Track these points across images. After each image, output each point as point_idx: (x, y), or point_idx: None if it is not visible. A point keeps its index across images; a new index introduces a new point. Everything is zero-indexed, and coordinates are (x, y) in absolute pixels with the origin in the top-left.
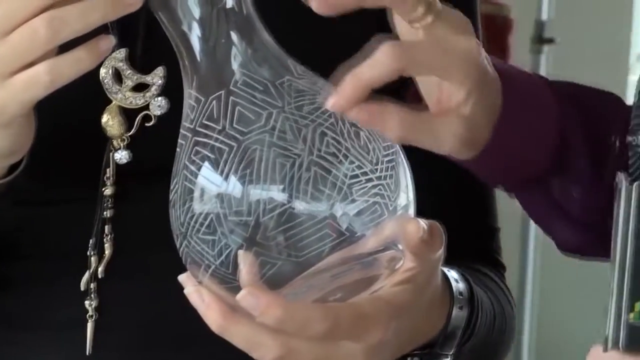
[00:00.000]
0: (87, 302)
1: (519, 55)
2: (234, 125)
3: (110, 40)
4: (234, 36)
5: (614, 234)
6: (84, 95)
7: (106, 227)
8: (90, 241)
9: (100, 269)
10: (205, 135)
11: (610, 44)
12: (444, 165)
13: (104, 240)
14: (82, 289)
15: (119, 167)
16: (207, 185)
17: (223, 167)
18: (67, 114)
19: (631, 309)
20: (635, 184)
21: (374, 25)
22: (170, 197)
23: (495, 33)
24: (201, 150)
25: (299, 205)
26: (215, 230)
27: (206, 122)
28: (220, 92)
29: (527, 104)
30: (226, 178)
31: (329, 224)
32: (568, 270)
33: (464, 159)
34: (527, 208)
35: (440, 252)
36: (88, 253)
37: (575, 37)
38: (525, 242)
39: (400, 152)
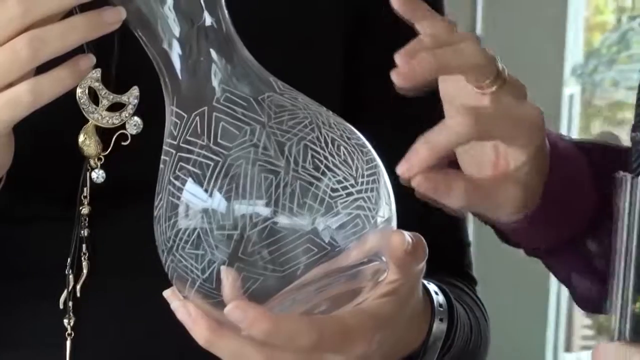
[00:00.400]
0: (65, 321)
1: None
2: (218, 140)
3: (90, 59)
4: (214, 53)
5: (618, 227)
6: (58, 115)
7: (83, 245)
8: (68, 260)
9: (78, 287)
10: (189, 151)
11: (544, 58)
12: None
13: (82, 258)
14: (61, 307)
15: (94, 186)
16: (192, 200)
17: (208, 182)
18: (42, 134)
19: (636, 299)
20: None
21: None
22: (155, 213)
23: None
24: (185, 165)
25: (283, 220)
26: (200, 245)
27: (190, 138)
28: (204, 109)
29: (567, 164)
30: (211, 193)
31: (311, 238)
32: (503, 283)
33: (509, 223)
34: (554, 269)
35: (423, 264)
36: (66, 271)
37: (509, 51)
38: None
39: (381, 165)
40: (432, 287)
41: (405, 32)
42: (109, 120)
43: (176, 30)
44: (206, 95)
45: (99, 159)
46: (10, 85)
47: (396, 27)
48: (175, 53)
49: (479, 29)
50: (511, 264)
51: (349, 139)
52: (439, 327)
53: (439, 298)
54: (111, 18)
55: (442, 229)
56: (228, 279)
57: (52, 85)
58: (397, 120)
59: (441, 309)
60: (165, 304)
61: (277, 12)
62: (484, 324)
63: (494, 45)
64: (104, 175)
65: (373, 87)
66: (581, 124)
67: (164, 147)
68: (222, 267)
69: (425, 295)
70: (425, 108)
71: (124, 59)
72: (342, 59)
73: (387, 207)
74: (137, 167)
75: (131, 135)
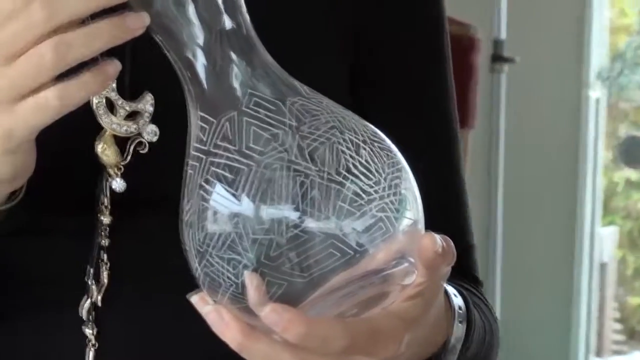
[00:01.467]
0: (88, 331)
1: (480, 75)
2: (250, 145)
3: (116, 64)
4: (237, 58)
5: None
6: (74, 125)
7: (104, 255)
8: (90, 270)
9: (99, 297)
10: (221, 156)
11: (568, 61)
12: (422, 185)
13: (102, 268)
14: (84, 317)
15: (114, 194)
16: (226, 204)
17: (242, 186)
18: (58, 144)
19: None
20: None
21: (348, 32)
22: (186, 218)
23: (461, 53)
24: (217, 170)
25: (313, 224)
26: (234, 249)
27: (220, 143)
28: (233, 114)
29: None
30: (244, 197)
31: (340, 242)
32: (530, 287)
33: None
34: None
35: (449, 267)
36: (88, 281)
37: (534, 55)
38: (492, 257)
39: (407, 168)
40: (451, 290)
41: (419, 24)
42: (126, 128)
43: (198, 35)
44: (233, 100)
45: (118, 168)
46: (36, 90)
47: (408, 19)
48: (198, 58)
49: (503, 34)
50: (541, 266)
51: (374, 142)
52: (459, 329)
53: (458, 301)
54: (135, 24)
55: (449, 232)
56: (252, 284)
57: (79, 90)
58: (412, 112)
59: (460, 312)
60: (188, 312)
61: (283, 14)
62: (495, 326)
63: (518, 50)
64: (124, 184)
65: (386, 78)
66: (607, 128)
67: (192, 152)
68: (246, 272)
69: (445, 297)
70: (440, 95)
71: (135, 67)
72: (350, 55)
73: (413, 209)
74: (156, 174)
75: (148, 143)
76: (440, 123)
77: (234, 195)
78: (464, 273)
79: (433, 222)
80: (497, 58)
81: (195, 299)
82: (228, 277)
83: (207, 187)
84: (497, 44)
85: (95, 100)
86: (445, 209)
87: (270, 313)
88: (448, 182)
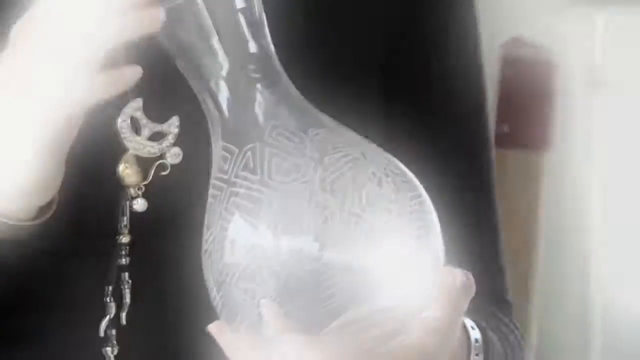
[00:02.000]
0: (108, 349)
1: (573, 99)
2: (272, 176)
3: (136, 70)
4: (261, 88)
5: None
6: (97, 144)
7: (124, 274)
8: (109, 289)
9: (123, 315)
10: (242, 186)
11: None
12: (454, 208)
13: (123, 287)
14: (104, 336)
15: (133, 215)
16: (246, 234)
17: (263, 217)
18: (80, 163)
19: None
20: None
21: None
22: (205, 247)
23: (535, 77)
24: (238, 200)
25: (334, 256)
26: (253, 279)
27: (242, 173)
28: (255, 144)
29: None
30: (265, 228)
31: (359, 274)
32: None
33: None
34: None
35: (468, 301)
36: (107, 300)
37: (630, 79)
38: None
39: (428, 201)
40: (469, 322)
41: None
42: (149, 149)
43: (222, 66)
44: (256, 131)
45: (139, 188)
46: None
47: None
48: (222, 89)
49: (598, 58)
50: None
51: (396, 175)
52: None
53: (475, 333)
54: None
55: (481, 254)
56: (270, 314)
57: (84, 88)
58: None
59: (477, 345)
60: (206, 333)
61: (315, 47)
62: (519, 352)
63: (613, 73)
64: (145, 204)
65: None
66: None
67: (213, 180)
68: (262, 301)
69: (462, 329)
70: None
71: (164, 88)
72: (382, 89)
73: (435, 242)
74: (176, 196)
75: (171, 165)
76: (469, 138)
77: (254, 225)
78: (496, 298)
79: (464, 245)
80: (593, 82)
81: (212, 327)
82: (246, 307)
83: (227, 216)
84: (592, 68)
85: (120, 119)
86: (476, 232)
87: (290, 343)
88: (480, 204)
